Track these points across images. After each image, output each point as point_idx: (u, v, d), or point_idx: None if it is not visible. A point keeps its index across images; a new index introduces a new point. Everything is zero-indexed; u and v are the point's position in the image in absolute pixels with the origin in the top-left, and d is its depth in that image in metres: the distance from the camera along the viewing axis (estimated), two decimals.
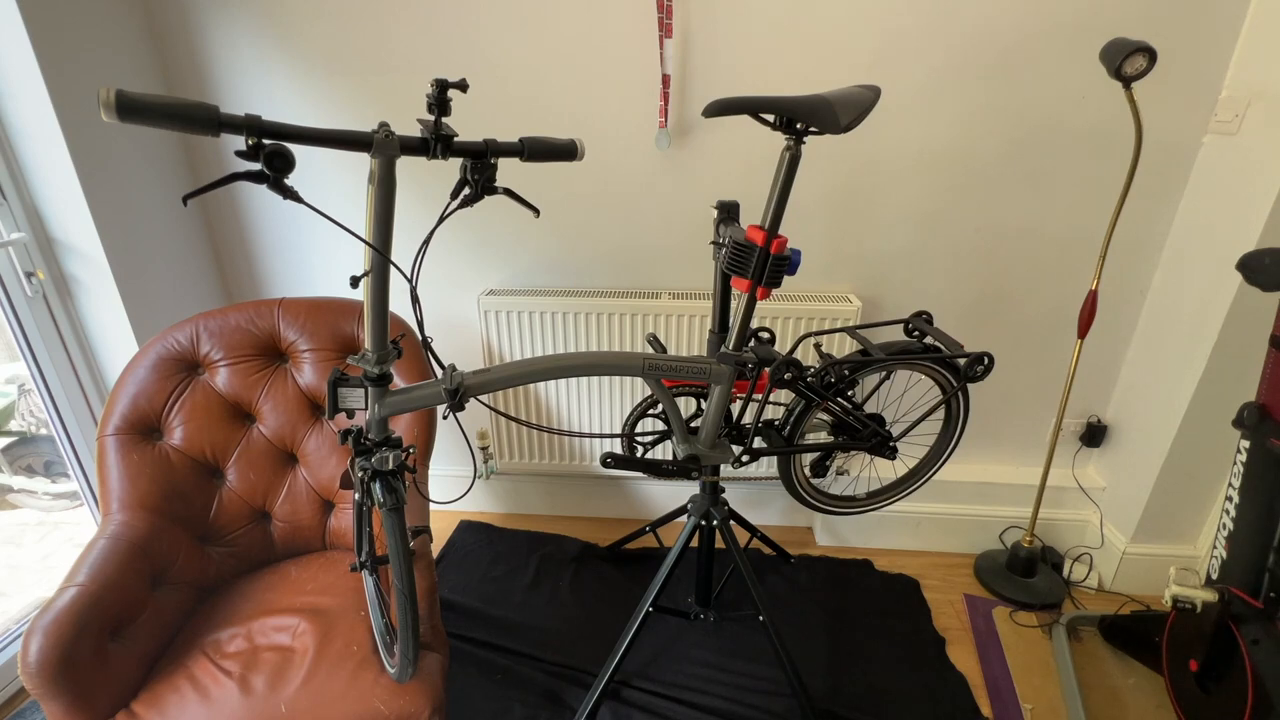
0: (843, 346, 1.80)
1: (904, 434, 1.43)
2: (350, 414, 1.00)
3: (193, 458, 1.46)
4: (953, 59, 1.60)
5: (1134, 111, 1.44)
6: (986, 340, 1.90)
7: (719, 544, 1.60)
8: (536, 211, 0.99)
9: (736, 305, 1.22)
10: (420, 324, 0.95)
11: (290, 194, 0.79)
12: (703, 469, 1.33)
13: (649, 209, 1.82)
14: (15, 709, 1.54)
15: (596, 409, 1.98)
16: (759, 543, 2.01)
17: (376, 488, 1.01)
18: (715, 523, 1.52)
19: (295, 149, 1.34)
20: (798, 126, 1.11)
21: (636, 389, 1.94)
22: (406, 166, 1.80)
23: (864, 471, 1.97)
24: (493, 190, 0.93)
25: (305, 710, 1.14)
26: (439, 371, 1.03)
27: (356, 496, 1.16)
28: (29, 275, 1.59)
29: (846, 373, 1.33)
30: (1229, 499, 1.34)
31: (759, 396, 1.33)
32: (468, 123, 1.75)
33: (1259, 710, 1.24)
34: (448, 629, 1.72)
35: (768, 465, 2.01)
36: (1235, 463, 1.32)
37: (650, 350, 1.65)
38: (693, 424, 1.43)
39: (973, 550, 2.06)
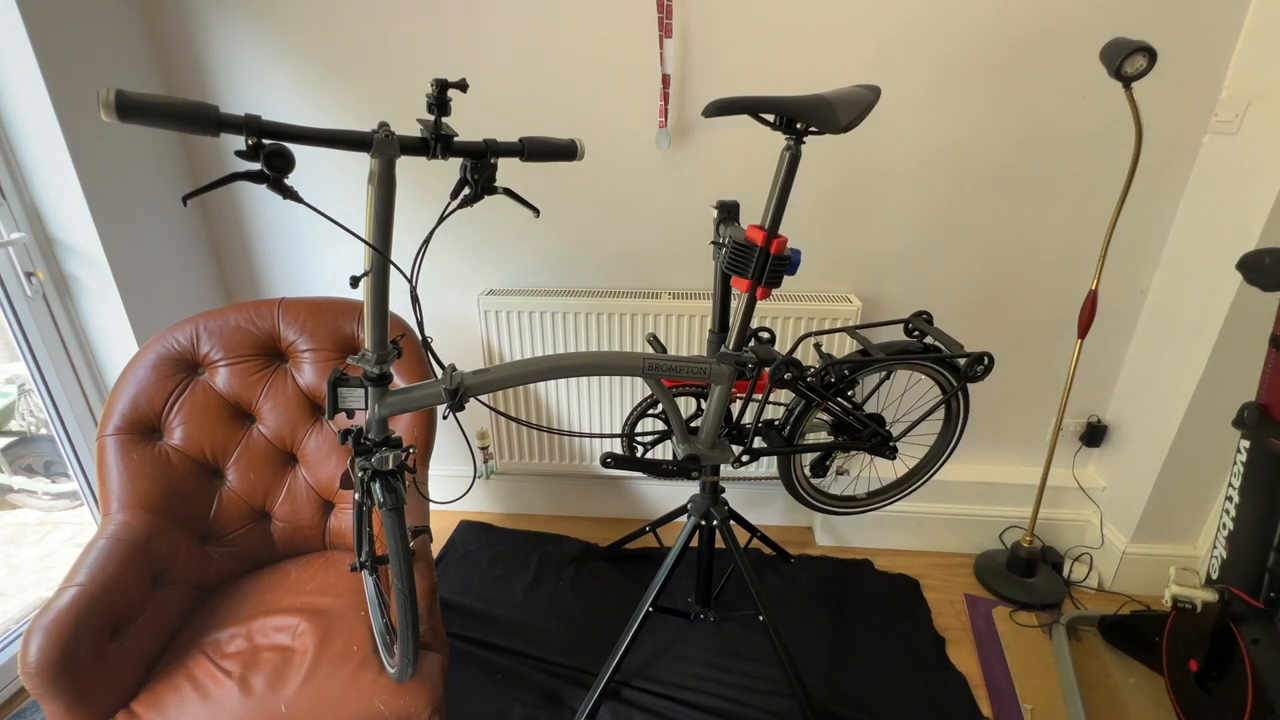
0: (843, 346, 1.80)
1: (904, 434, 1.43)
2: (350, 414, 1.00)
3: (193, 458, 1.46)
4: (953, 59, 1.60)
5: (1134, 111, 1.44)
6: (986, 340, 1.90)
7: (719, 544, 1.60)
8: (536, 211, 0.99)
9: (736, 305, 1.22)
10: (420, 324, 0.95)
11: (290, 194, 0.79)
12: (703, 469, 1.33)
13: (649, 209, 1.82)
14: (15, 709, 1.54)
15: (596, 409, 1.98)
16: (759, 543, 2.01)
17: (376, 488, 1.01)
18: (715, 523, 1.52)
19: (295, 149, 1.34)
20: (798, 126, 1.11)
21: (636, 389, 1.94)
22: (406, 166, 1.80)
23: (864, 471, 1.97)
24: (493, 190, 0.93)
25: (305, 710, 1.14)
26: (439, 371, 1.03)
27: (356, 496, 1.16)
28: (29, 275, 1.59)
29: (846, 373, 1.33)
30: (1229, 499, 1.34)
31: (759, 396, 1.33)
32: (468, 123, 1.75)
33: (1259, 710, 1.24)
34: (448, 629, 1.72)
35: (768, 465, 2.01)
36: (1235, 463, 1.32)
37: (650, 350, 1.65)
38: (693, 424, 1.43)
39: (973, 550, 2.06)
